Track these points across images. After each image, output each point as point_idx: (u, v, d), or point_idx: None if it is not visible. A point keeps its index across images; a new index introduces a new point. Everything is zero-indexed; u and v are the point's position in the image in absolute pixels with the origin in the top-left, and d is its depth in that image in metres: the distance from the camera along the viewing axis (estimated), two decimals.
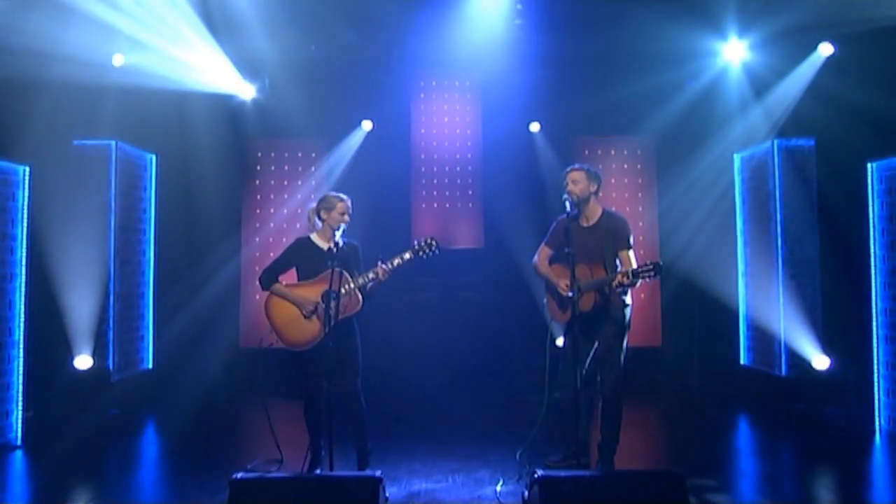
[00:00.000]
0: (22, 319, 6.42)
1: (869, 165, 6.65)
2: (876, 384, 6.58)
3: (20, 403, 6.40)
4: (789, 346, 7.32)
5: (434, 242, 5.13)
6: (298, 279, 5.21)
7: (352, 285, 5.02)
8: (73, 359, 7.08)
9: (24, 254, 6.46)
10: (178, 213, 8.33)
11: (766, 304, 7.64)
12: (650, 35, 7.47)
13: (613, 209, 5.64)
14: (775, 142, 7.58)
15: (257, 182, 8.81)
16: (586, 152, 8.69)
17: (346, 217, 5.21)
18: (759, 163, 7.91)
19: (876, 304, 6.59)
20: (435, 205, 8.90)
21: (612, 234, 5.21)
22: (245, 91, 8.34)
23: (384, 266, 5.04)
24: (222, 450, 6.42)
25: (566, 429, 5.36)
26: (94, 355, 7.15)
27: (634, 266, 5.06)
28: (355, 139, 8.58)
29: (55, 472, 5.77)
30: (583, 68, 7.98)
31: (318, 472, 5.15)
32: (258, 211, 8.76)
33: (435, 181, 8.90)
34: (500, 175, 8.56)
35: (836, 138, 7.08)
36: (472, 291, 8.74)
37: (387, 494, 4.57)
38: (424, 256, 5.13)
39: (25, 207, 6.48)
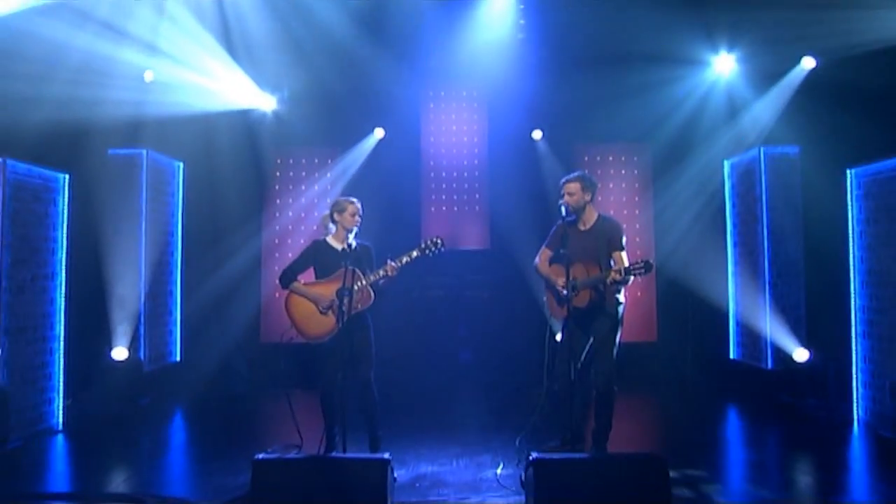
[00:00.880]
0: (62, 315, 6.65)
1: (848, 172, 6.74)
2: (854, 377, 6.67)
3: (61, 392, 6.63)
4: (775, 341, 7.46)
5: (439, 241, 5.26)
6: (315, 278, 5.38)
7: (364, 282, 5.18)
8: (111, 350, 7.30)
9: (65, 255, 6.69)
10: (203, 216, 8.53)
11: (753, 302, 7.79)
12: (646, 49, 7.62)
13: (608, 213, 5.78)
14: (762, 149, 7.72)
15: (276, 187, 9.01)
16: (586, 158, 8.86)
17: (357, 219, 5.36)
18: (747, 169, 8.06)
19: (855, 302, 6.69)
20: (443, 208, 9.08)
21: (607, 237, 5.37)
22: (265, 103, 8.58)
23: (393, 264, 5.19)
24: (244, 435, 6.58)
25: (563, 417, 5.52)
26: (128, 348, 7.38)
27: (627, 265, 5.25)
28: (368, 144, 8.79)
29: (93, 453, 6.02)
30: (582, 80, 8.12)
31: (332, 455, 5.31)
32: (277, 214, 8.95)
33: (443, 186, 9.09)
34: (504, 180, 8.75)
35: (818, 146, 7.23)
36: (477, 290, 8.90)
37: (395, 475, 4.68)
38: (430, 254, 5.26)
39: (65, 212, 6.71)
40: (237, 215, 8.57)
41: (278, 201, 9.00)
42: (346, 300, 5.03)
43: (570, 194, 5.37)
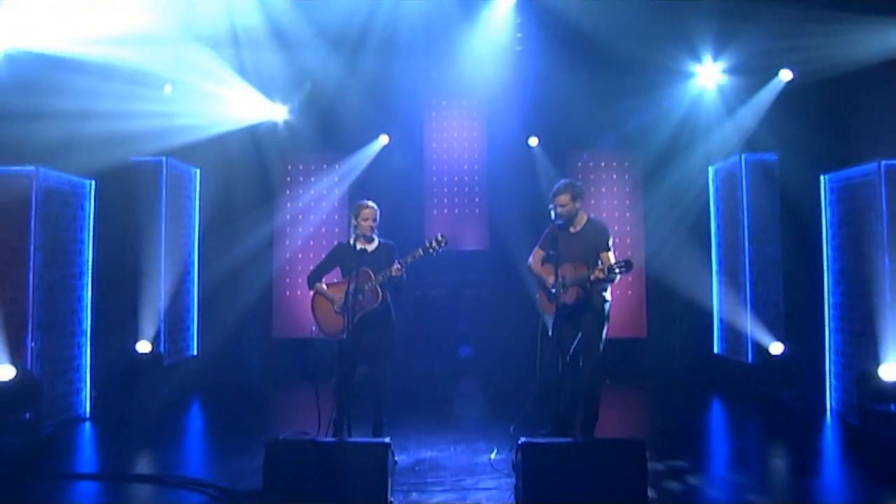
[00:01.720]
0: (89, 312, 6.88)
1: (822, 178, 6.92)
2: (827, 370, 6.85)
3: (88, 382, 6.86)
4: (755, 336, 7.66)
5: (443, 239, 5.38)
6: (342, 278, 5.55)
7: (373, 283, 5.34)
8: (135, 343, 7.52)
9: (91, 255, 6.91)
10: (218, 219, 8.72)
11: (735, 300, 8.01)
12: (636, 60, 7.82)
13: (598, 216, 6.02)
14: (743, 156, 7.93)
15: (287, 192, 9.23)
16: (579, 164, 9.10)
17: (371, 221, 5.46)
18: (729, 174, 8.25)
19: (828, 300, 6.86)
20: (445, 210, 9.29)
21: (595, 239, 5.56)
22: (277, 113, 8.81)
23: (397, 265, 5.35)
24: (258, 424, 6.80)
25: (554, 407, 5.71)
26: (151, 342, 7.61)
27: (611, 264, 5.47)
28: (373, 149, 8.99)
29: (117, 439, 6.27)
30: (576, 89, 8.27)
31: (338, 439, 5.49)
32: (288, 217, 9.15)
33: (445, 189, 9.29)
34: (503, 184, 8.96)
35: (795, 154, 7.44)
36: (477, 288, 9.08)
37: (396, 459, 4.86)
38: (433, 252, 5.38)
39: (92, 216, 6.93)
40: (250, 218, 8.78)
41: (289, 205, 9.20)
42: (350, 300, 5.19)
43: (562, 206, 5.54)
